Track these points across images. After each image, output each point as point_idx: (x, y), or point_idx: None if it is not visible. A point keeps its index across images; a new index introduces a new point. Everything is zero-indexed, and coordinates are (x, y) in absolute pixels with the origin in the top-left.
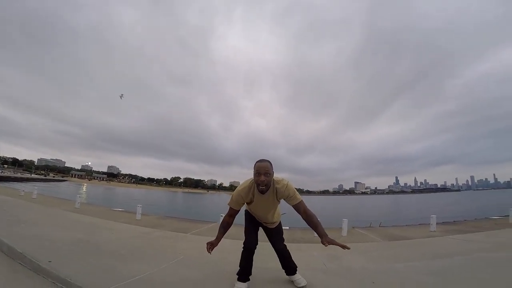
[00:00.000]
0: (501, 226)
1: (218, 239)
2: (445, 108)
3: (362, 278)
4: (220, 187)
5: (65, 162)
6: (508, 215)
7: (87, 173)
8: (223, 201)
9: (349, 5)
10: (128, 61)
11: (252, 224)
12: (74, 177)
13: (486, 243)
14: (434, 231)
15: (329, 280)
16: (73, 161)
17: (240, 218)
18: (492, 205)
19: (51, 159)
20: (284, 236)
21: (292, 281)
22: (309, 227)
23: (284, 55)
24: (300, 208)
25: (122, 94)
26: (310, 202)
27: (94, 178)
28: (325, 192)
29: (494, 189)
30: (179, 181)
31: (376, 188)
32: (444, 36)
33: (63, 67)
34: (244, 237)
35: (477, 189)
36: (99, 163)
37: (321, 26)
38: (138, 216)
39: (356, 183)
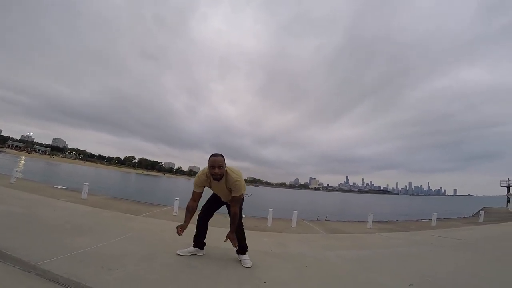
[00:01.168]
0: (423, 228)
1: (187, 222)
2: (400, 117)
3: (298, 262)
4: (178, 171)
5: (1, 131)
6: (431, 219)
7: (27, 145)
8: (180, 185)
9: (338, 6)
10: (96, 31)
11: (213, 200)
12: (11, 148)
13: (405, 240)
14: (370, 228)
15: (272, 262)
16: (12, 129)
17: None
18: (421, 209)
19: None
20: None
21: (240, 260)
22: (263, 217)
23: (266, 44)
24: (234, 201)
25: None
26: (268, 194)
27: (36, 151)
28: (282, 185)
29: (426, 195)
30: (134, 161)
31: (328, 185)
32: (414, 50)
33: (19, 33)
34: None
35: (413, 194)
36: (44, 135)
37: (307, 21)
38: (84, 196)
39: (311, 178)
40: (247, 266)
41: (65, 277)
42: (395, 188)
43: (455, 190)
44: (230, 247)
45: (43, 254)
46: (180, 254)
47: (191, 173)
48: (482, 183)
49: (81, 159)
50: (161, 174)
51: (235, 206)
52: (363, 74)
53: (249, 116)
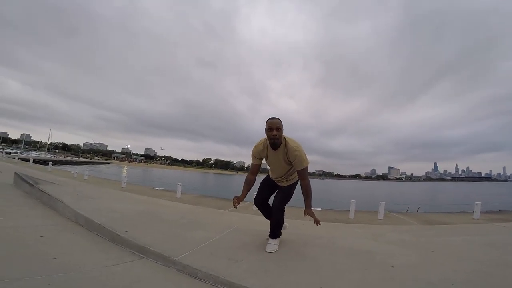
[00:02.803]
0: None
1: (244, 194)
2: (496, 91)
3: (419, 248)
4: (249, 169)
5: (107, 146)
6: None
7: (127, 156)
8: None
9: None
10: (153, 47)
11: (266, 184)
12: (116, 159)
13: None
14: (477, 218)
15: (387, 249)
16: (114, 144)
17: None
18: None
19: (94, 143)
20: (317, 216)
21: (267, 242)
22: (343, 209)
23: (314, 34)
24: (301, 174)
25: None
26: (342, 187)
27: (133, 160)
28: (356, 177)
29: None
30: (210, 162)
31: (412, 174)
32: (493, 17)
33: (94, 56)
34: None
35: None
36: (137, 146)
37: (354, 3)
38: (178, 195)
39: (390, 168)
40: (267, 250)
41: (204, 271)
42: (501, 173)
43: None
44: (326, 236)
45: (178, 249)
46: (270, 251)
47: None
48: None
49: (168, 164)
50: (234, 172)
51: (305, 179)
52: (434, 50)
53: (311, 109)
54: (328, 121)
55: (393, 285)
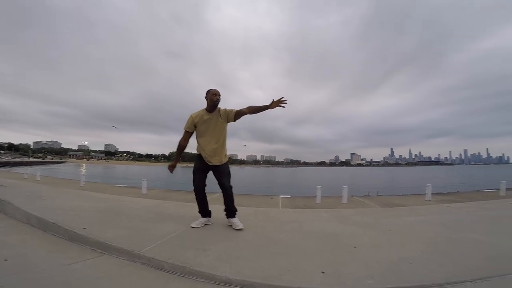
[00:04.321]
0: (492, 198)
1: (176, 160)
2: (447, 82)
3: (378, 229)
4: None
5: (61, 144)
6: (498, 188)
7: (84, 153)
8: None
9: None
10: (115, 38)
11: (200, 169)
12: (72, 157)
13: (478, 208)
14: (429, 200)
15: (350, 230)
16: (69, 141)
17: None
18: (484, 179)
19: (46, 141)
20: (287, 204)
21: (230, 224)
22: (310, 196)
23: (287, 25)
24: (241, 111)
25: (114, 126)
26: (309, 174)
27: (92, 158)
28: (321, 164)
29: (486, 164)
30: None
31: (371, 159)
32: (450, 11)
33: (46, 49)
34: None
35: (470, 163)
36: (96, 142)
37: None
38: (144, 191)
39: (352, 154)
40: (238, 228)
41: (170, 262)
42: (448, 157)
43: None
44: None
45: (143, 243)
46: (195, 226)
47: (229, 161)
48: None
49: (132, 160)
50: None
51: (247, 108)
52: (397, 42)
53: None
54: (296, 110)
55: (357, 265)
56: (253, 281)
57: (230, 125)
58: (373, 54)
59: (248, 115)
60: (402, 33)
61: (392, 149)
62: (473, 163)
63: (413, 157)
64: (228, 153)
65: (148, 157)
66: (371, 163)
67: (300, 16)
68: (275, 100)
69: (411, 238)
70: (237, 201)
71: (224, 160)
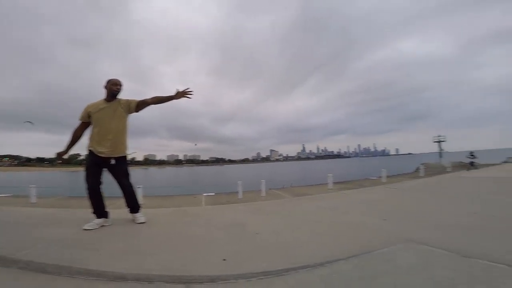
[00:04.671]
0: (376, 184)
1: (67, 148)
2: (348, 86)
3: (281, 216)
4: (134, 162)
5: None
6: (381, 176)
7: None
8: (136, 176)
9: None
10: (14, 21)
11: (93, 167)
12: None
13: (365, 193)
14: (331, 188)
15: (257, 219)
16: None
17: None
18: (371, 169)
19: None
20: (211, 201)
21: (133, 218)
22: (233, 192)
23: (220, 22)
24: (144, 101)
25: (29, 122)
26: (233, 171)
27: None
28: (245, 161)
29: (373, 156)
30: (79, 158)
31: (287, 155)
32: (361, 23)
33: None
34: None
35: (362, 156)
36: None
37: None
38: (33, 199)
39: (271, 151)
40: (141, 221)
41: (54, 264)
42: (346, 151)
43: (397, 150)
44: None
45: (21, 247)
46: (89, 228)
47: (147, 161)
48: (419, 142)
49: (17, 165)
50: None
51: (151, 99)
52: (315, 47)
53: (204, 96)
54: (221, 108)
55: (256, 250)
56: (149, 274)
57: (146, 123)
58: (294, 57)
59: (157, 105)
60: (319, 40)
61: (303, 145)
62: (365, 155)
63: (320, 151)
64: (145, 153)
65: (40, 161)
66: (287, 158)
67: (235, 15)
68: (180, 90)
69: (307, 222)
70: (157, 203)
71: (122, 153)
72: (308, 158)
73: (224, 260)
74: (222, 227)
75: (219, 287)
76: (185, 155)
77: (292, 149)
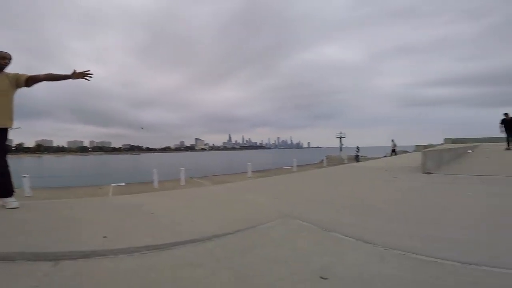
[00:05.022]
0: (288, 172)
1: None
2: (275, 82)
3: (186, 199)
4: (21, 148)
5: None
6: (292, 166)
7: None
8: (23, 165)
9: None
10: None
11: None
12: None
13: (278, 179)
14: (250, 176)
15: (162, 202)
16: None
17: None
18: (286, 159)
19: None
20: (120, 191)
21: (3, 203)
22: (149, 181)
23: (155, 2)
24: (35, 77)
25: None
26: (152, 160)
27: None
28: (166, 149)
29: (290, 148)
30: None
31: (213, 144)
32: (295, 25)
33: None
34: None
35: (281, 148)
36: None
37: None
38: None
39: (196, 139)
40: (13, 206)
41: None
42: (267, 143)
43: (308, 143)
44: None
45: None
46: None
47: (40, 148)
48: (326, 137)
49: None
50: None
51: (43, 76)
52: (251, 41)
53: (125, 77)
54: (142, 91)
55: (144, 228)
56: (10, 251)
57: (42, 103)
58: (229, 49)
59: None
60: (256, 35)
61: (230, 135)
62: (283, 147)
63: (245, 142)
64: (38, 138)
65: None
66: (213, 148)
67: None
68: (77, 71)
69: (208, 203)
70: (54, 194)
71: (8, 124)
72: (233, 148)
73: (104, 237)
74: (114, 210)
75: (95, 262)
76: (91, 142)
77: (218, 139)
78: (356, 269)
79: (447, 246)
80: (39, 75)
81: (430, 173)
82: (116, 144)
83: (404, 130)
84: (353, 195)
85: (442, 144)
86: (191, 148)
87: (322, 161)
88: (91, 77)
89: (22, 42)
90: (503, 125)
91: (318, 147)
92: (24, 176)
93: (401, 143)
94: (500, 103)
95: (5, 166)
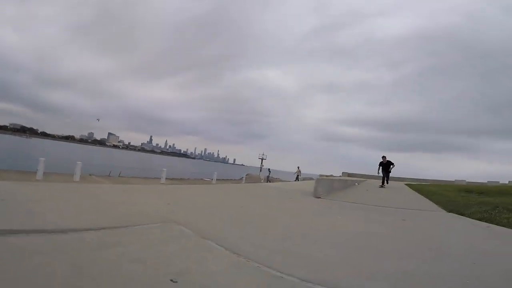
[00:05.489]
0: (206, 183)
1: None
2: (215, 92)
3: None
4: None
5: None
6: (212, 179)
7: None
8: None
9: None
10: None
11: None
12: None
13: (190, 188)
14: (163, 183)
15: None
16: None
17: None
18: (209, 171)
19: None
20: None
21: None
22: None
23: None
24: None
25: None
26: (46, 146)
27: None
28: (69, 138)
29: (216, 161)
30: None
31: (129, 143)
32: (252, 41)
33: None
34: None
35: (207, 160)
36: None
37: None
38: None
39: (109, 134)
40: None
41: None
42: (193, 152)
43: (234, 159)
44: None
45: None
46: None
47: None
48: (251, 156)
49: None
50: None
51: None
52: (208, 45)
53: (42, 50)
54: (59, 70)
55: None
56: None
57: None
58: (179, 47)
59: None
60: (211, 41)
61: (151, 136)
62: (208, 159)
63: (168, 147)
64: None
65: None
66: (128, 147)
67: None
68: None
69: (89, 200)
70: None
71: None
72: (153, 151)
73: None
74: None
75: None
76: None
77: (137, 138)
78: (209, 276)
79: (301, 263)
80: None
81: (319, 197)
82: (2, 121)
83: (314, 159)
84: (248, 209)
85: (340, 176)
86: (100, 142)
87: (241, 178)
88: None
89: None
90: (380, 166)
91: (243, 165)
92: None
93: (308, 171)
94: (394, 147)
95: None
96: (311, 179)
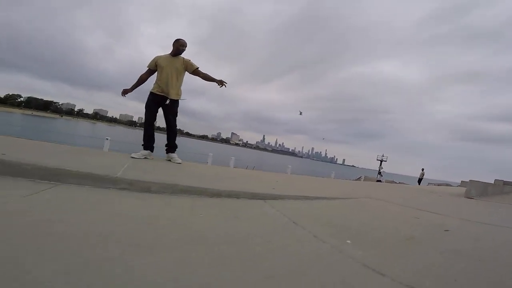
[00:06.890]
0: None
1: (132, 88)
2: (320, 92)
3: None
4: (80, 114)
5: None
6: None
7: None
8: (78, 130)
9: None
10: None
11: (152, 105)
12: None
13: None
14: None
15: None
16: None
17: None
18: (319, 171)
19: None
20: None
21: (169, 159)
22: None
23: None
24: (199, 71)
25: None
26: (193, 145)
27: None
28: (203, 137)
29: (323, 161)
30: (19, 99)
31: (247, 141)
32: (355, 35)
33: None
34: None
35: (313, 159)
36: None
37: None
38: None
39: (232, 133)
40: (177, 161)
41: (158, 182)
42: (300, 151)
43: (344, 160)
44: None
45: (112, 169)
46: (135, 157)
47: (96, 116)
48: (364, 157)
49: None
50: (57, 115)
51: (203, 72)
52: (304, 47)
53: None
54: (195, 82)
55: None
56: (237, 190)
57: (107, 77)
58: (281, 51)
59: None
60: (311, 41)
61: (264, 136)
62: (315, 159)
63: (278, 146)
64: (97, 107)
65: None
66: (246, 145)
67: None
68: (223, 80)
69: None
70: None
71: (178, 97)
72: (265, 149)
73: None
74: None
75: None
76: (139, 118)
77: (253, 137)
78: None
79: None
80: (203, 72)
81: (471, 198)
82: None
83: (446, 164)
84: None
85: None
86: (226, 141)
87: (359, 178)
88: (225, 86)
89: (101, 22)
90: None
91: (353, 166)
92: (107, 139)
93: (436, 177)
94: None
95: (175, 125)
96: (448, 185)
